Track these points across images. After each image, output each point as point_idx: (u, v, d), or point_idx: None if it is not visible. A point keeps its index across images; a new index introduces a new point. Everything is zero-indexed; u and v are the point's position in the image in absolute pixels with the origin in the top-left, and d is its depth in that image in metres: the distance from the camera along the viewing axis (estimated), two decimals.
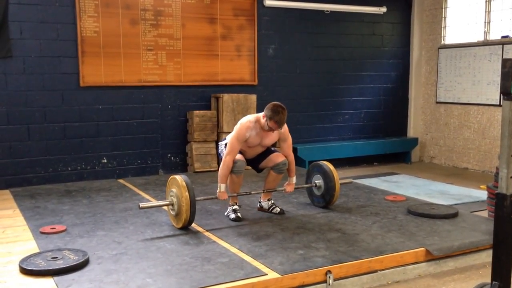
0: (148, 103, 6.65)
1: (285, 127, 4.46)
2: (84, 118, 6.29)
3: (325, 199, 4.77)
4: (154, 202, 4.65)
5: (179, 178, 4.09)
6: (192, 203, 4.00)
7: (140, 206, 4.11)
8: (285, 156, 4.51)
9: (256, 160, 4.58)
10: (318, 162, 4.91)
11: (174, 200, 4.12)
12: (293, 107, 7.35)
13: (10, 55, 5.83)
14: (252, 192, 4.70)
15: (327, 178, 4.71)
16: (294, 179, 4.62)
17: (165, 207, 4.37)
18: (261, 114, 4.33)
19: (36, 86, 6.02)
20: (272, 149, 4.60)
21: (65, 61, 6.12)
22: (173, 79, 6.70)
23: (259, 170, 4.69)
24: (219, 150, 4.59)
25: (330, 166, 4.77)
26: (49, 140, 6.13)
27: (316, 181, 4.82)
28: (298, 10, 7.49)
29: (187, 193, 3.99)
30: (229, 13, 6.97)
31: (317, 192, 4.86)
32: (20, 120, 5.97)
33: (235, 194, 4.47)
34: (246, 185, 5.72)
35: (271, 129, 4.27)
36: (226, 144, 4.46)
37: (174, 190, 4.14)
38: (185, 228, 4.15)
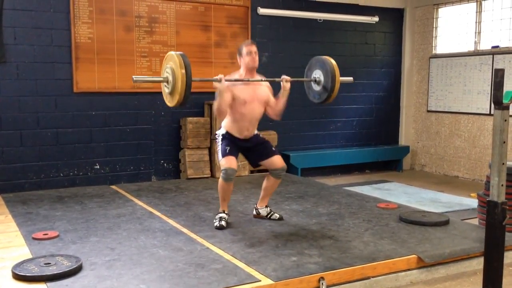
0: (142, 109, 6.65)
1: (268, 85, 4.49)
2: (77, 124, 6.28)
3: (322, 96, 4.62)
4: (148, 77, 4.38)
5: (176, 54, 3.89)
6: (188, 81, 3.80)
7: (134, 79, 3.96)
8: (277, 113, 4.45)
9: (257, 154, 4.48)
10: (321, 57, 4.70)
11: (170, 76, 3.91)
12: (286, 114, 7.28)
13: (4, 60, 5.82)
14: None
15: (327, 74, 4.51)
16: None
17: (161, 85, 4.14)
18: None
19: (30, 91, 6.01)
20: (274, 149, 4.55)
21: (59, 67, 6.12)
22: None
23: (256, 165, 4.61)
24: (216, 143, 4.45)
25: (332, 61, 4.56)
26: (41, 145, 6.11)
27: (315, 76, 4.64)
28: (292, 19, 7.56)
29: (183, 70, 3.80)
30: (223, 20, 7.01)
31: (316, 87, 4.67)
32: (12, 125, 5.95)
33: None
34: (239, 191, 5.74)
35: (252, 58, 4.27)
36: (222, 137, 4.37)
37: (170, 65, 3.93)
38: (179, 232, 4.15)
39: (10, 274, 3.29)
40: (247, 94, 4.34)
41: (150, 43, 6.58)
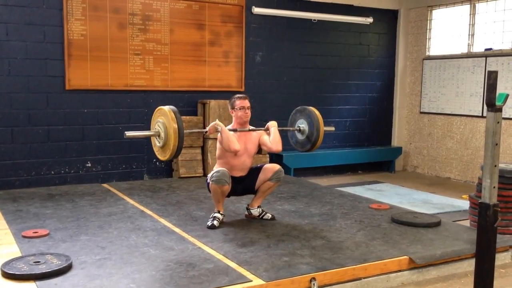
0: (135, 107, 6.62)
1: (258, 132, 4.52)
2: (69, 122, 6.24)
3: (305, 147, 4.69)
4: (140, 132, 4.42)
5: (168, 109, 3.91)
6: (181, 134, 3.82)
7: (126, 134, 3.97)
8: (274, 145, 4.44)
9: (250, 179, 4.49)
10: (306, 108, 4.76)
11: (162, 130, 3.92)
12: (280, 114, 7.36)
13: None
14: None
15: (312, 123, 4.58)
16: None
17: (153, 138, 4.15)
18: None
19: (21, 88, 5.96)
20: (259, 165, 4.57)
21: (51, 64, 6.08)
22: (160, 84, 6.69)
23: (256, 191, 4.58)
24: (207, 181, 4.43)
25: (316, 112, 4.65)
26: (32, 143, 6.06)
27: (300, 125, 4.71)
28: (286, 18, 7.55)
29: (175, 125, 3.81)
30: (217, 19, 7.00)
31: (300, 137, 4.75)
32: (3, 122, 5.90)
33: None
34: None
35: (244, 113, 4.35)
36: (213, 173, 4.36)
37: (161, 120, 3.94)
38: (170, 231, 4.13)
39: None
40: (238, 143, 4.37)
41: (143, 41, 6.55)
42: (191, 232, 4.22)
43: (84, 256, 3.59)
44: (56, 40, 6.07)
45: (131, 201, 5.35)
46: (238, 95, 4.51)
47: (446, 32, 8.01)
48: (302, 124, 4.71)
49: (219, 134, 4.32)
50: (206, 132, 4.38)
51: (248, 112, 4.43)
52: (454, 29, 7.84)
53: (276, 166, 4.48)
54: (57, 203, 5.22)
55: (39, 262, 3.35)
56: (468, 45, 7.60)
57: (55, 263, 3.34)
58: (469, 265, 3.78)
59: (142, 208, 5.06)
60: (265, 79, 7.46)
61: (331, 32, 7.93)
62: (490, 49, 7.27)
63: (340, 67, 8.08)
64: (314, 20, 7.74)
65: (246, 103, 4.43)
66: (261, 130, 4.58)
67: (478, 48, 7.49)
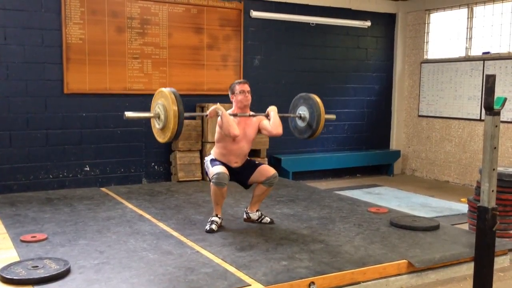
0: (133, 111, 6.55)
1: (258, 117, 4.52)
2: (67, 125, 6.23)
3: (307, 132, 4.68)
4: (140, 113, 4.45)
5: (168, 91, 3.91)
6: (181, 117, 3.81)
7: (126, 115, 3.97)
8: (275, 128, 4.42)
9: (244, 174, 4.50)
10: (307, 94, 4.74)
11: (161, 112, 3.92)
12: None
13: None
14: None
15: (313, 110, 4.57)
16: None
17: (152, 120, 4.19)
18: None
19: (19, 92, 5.95)
20: (257, 162, 4.58)
21: (50, 68, 6.08)
22: (159, 87, 6.63)
23: (247, 186, 4.61)
24: (205, 166, 4.51)
25: (317, 99, 4.61)
26: (31, 147, 6.05)
27: (301, 112, 4.70)
28: (284, 22, 7.56)
29: (175, 107, 3.81)
30: (215, 23, 7.00)
31: (301, 124, 4.74)
32: (2, 126, 5.89)
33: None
34: (230, 195, 5.71)
35: (244, 96, 4.36)
36: (211, 160, 4.42)
37: (161, 102, 3.94)
38: (169, 235, 4.12)
39: None
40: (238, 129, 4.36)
41: (142, 44, 6.55)
42: (190, 236, 4.21)
43: (83, 261, 3.58)
44: (54, 44, 6.07)
45: (130, 205, 5.34)
46: (237, 80, 4.55)
47: (444, 36, 8.03)
48: (303, 111, 4.69)
49: (219, 118, 4.32)
50: (207, 115, 4.34)
51: (249, 96, 4.43)
52: (452, 32, 7.86)
53: (271, 171, 4.46)
54: (56, 207, 5.21)
55: (37, 266, 3.34)
56: (466, 48, 7.62)
57: (54, 268, 3.33)
58: (468, 269, 3.77)
59: (140, 212, 5.06)
60: (263, 83, 7.46)
61: (329, 35, 7.94)
62: (488, 52, 7.29)
63: (338, 71, 8.09)
64: (312, 23, 7.75)
65: (246, 87, 4.43)
66: (261, 115, 4.56)
67: (476, 51, 7.51)
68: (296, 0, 7.58)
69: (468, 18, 7.57)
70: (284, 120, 4.63)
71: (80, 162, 6.34)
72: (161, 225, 4.58)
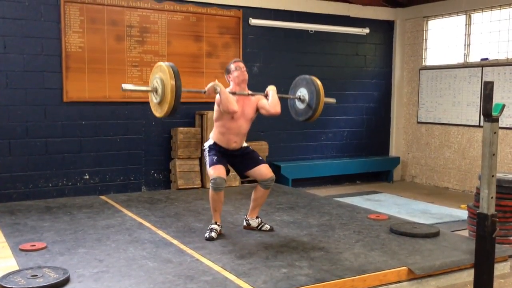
0: (132, 119, 6.62)
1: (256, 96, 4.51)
2: (66, 134, 6.24)
3: (306, 115, 4.66)
4: (138, 86, 4.41)
5: (166, 65, 3.89)
6: (178, 91, 3.80)
7: (123, 87, 3.95)
8: (273, 107, 4.40)
9: (243, 163, 4.50)
10: (306, 76, 4.72)
11: (159, 87, 3.89)
12: (277, 125, 7.40)
13: None
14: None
15: (312, 92, 4.55)
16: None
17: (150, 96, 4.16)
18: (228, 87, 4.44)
19: (19, 100, 5.96)
20: (260, 158, 4.57)
21: (49, 76, 6.09)
22: None
23: (243, 176, 4.64)
24: (204, 154, 4.52)
25: (317, 81, 4.59)
26: (30, 155, 6.05)
27: (300, 94, 4.68)
28: (283, 30, 7.59)
29: (173, 82, 3.79)
30: (214, 31, 7.03)
31: (300, 106, 4.72)
32: (1, 135, 5.89)
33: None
34: (229, 202, 5.71)
35: (241, 71, 4.37)
36: (209, 148, 4.42)
37: (159, 76, 3.90)
38: (168, 243, 4.11)
39: None
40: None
41: (141, 52, 6.57)
42: (189, 244, 4.20)
43: (82, 269, 3.57)
44: (54, 53, 6.08)
45: (129, 213, 5.33)
46: (232, 60, 4.58)
47: (442, 43, 8.06)
48: (302, 92, 4.67)
49: (217, 96, 4.31)
50: (205, 92, 4.29)
51: (245, 71, 4.44)
52: (450, 39, 7.89)
53: (269, 174, 4.47)
54: (55, 215, 5.20)
55: (36, 275, 3.33)
56: (464, 55, 7.64)
57: (53, 277, 3.32)
58: (468, 275, 3.76)
59: (140, 220, 5.05)
60: (262, 90, 7.43)
61: (328, 43, 7.97)
62: (486, 59, 7.32)
63: (337, 78, 8.10)
64: (311, 31, 7.78)
65: (241, 64, 4.46)
66: (260, 94, 4.55)
67: (474, 58, 7.53)
68: (295, 7, 7.62)
69: (466, 24, 7.60)
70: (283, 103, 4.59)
71: (79, 170, 6.33)
72: (161, 233, 4.57)
